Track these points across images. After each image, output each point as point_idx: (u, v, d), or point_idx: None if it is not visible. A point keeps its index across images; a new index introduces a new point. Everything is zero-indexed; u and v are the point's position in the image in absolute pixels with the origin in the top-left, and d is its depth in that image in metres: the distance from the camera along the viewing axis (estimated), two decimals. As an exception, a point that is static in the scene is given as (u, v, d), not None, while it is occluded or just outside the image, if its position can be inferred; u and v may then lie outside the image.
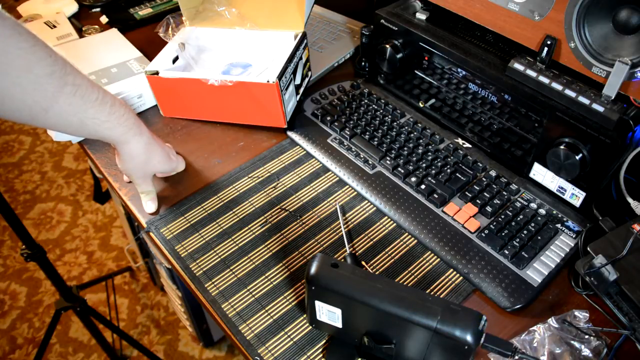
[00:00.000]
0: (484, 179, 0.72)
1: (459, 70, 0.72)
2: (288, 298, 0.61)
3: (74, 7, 1.12)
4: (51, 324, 1.28)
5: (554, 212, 0.67)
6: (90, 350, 1.54)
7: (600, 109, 0.57)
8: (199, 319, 1.30)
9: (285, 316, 0.59)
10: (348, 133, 0.78)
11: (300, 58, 0.82)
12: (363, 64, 0.90)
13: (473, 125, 0.75)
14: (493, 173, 0.72)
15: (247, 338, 0.57)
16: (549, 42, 0.61)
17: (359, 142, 0.77)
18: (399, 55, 0.79)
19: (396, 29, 0.77)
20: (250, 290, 0.61)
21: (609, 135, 0.58)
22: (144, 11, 1.10)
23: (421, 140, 0.77)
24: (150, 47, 0.93)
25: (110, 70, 0.88)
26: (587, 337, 0.55)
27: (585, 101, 0.58)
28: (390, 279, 0.61)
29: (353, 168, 0.74)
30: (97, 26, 1.06)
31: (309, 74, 0.89)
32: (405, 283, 0.62)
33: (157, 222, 0.69)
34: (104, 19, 1.08)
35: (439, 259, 0.64)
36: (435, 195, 0.69)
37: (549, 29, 0.60)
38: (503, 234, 0.64)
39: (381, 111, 0.83)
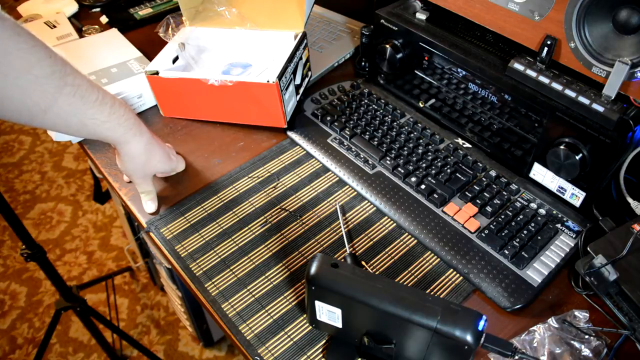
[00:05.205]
0: (484, 179, 0.72)
1: (459, 70, 0.72)
2: (288, 298, 0.61)
3: (74, 7, 1.12)
4: (51, 324, 1.28)
5: (554, 212, 0.67)
6: (90, 350, 1.54)
7: (600, 109, 0.57)
8: (199, 319, 1.30)
9: (285, 316, 0.59)
10: (348, 133, 0.78)
11: (300, 58, 0.82)
12: (363, 64, 0.90)
13: (473, 125, 0.75)
14: (493, 173, 0.72)
15: (247, 338, 0.57)
16: (549, 42, 0.61)
17: (359, 142, 0.77)
18: (399, 55, 0.79)
19: (396, 29, 0.77)
20: (250, 290, 0.61)
21: (609, 135, 0.58)
22: (144, 11, 1.10)
23: (421, 140, 0.77)
24: (150, 47, 0.93)
25: (110, 70, 0.88)
26: (587, 337, 0.55)
27: (585, 101, 0.58)
28: (390, 279, 0.61)
29: (353, 168, 0.74)
30: (97, 26, 1.06)
31: (309, 74, 0.89)
32: (405, 283, 0.62)
33: (157, 222, 0.69)
34: (104, 19, 1.08)
35: (439, 259, 0.64)
36: (435, 195, 0.69)
37: (549, 29, 0.60)
38: (503, 234, 0.64)
39: (381, 111, 0.83)
